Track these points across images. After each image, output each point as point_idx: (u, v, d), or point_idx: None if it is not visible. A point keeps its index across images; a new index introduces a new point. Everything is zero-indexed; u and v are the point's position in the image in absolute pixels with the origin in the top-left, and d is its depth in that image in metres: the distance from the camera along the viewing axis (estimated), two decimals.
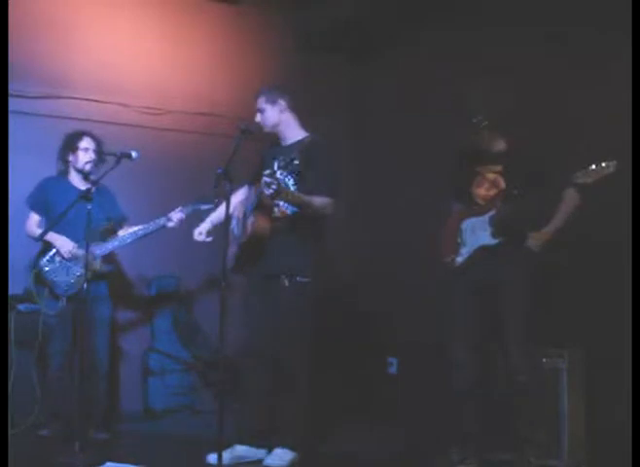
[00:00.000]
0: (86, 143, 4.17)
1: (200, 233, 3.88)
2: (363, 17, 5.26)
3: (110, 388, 4.36)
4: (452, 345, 3.59)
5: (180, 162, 5.15)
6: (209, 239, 3.86)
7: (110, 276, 4.24)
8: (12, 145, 4.36)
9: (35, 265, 4.07)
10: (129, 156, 3.96)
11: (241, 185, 3.90)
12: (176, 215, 4.13)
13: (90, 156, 4.17)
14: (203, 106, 5.38)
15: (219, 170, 3.31)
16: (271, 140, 3.86)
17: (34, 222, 4.18)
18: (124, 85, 5.17)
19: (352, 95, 5.90)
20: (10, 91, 4.55)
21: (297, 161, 3.37)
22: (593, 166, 3.06)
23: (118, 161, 4.02)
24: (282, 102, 3.73)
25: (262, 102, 3.74)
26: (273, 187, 3.32)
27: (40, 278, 4.05)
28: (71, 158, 4.20)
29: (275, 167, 3.50)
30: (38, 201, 4.18)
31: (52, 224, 4.00)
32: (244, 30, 5.60)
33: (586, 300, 3.86)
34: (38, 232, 4.09)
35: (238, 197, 3.90)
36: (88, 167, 4.17)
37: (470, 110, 3.56)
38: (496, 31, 4.56)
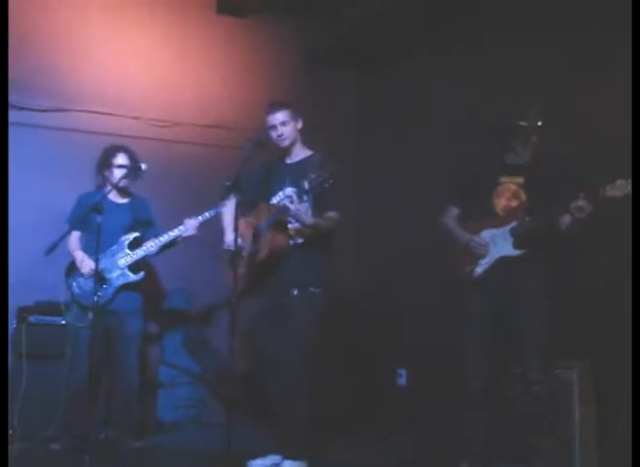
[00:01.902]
0: (120, 159, 4.12)
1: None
2: (370, 29, 5.27)
3: (141, 399, 4.39)
4: (467, 355, 3.58)
5: (189, 174, 5.16)
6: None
7: (143, 288, 4.22)
8: (20, 158, 4.42)
9: (65, 278, 4.08)
10: (139, 168, 3.99)
11: (228, 198, 3.87)
12: (190, 222, 4.12)
13: (125, 172, 4.09)
14: (211, 118, 5.41)
15: (227, 182, 3.33)
16: (277, 156, 3.87)
17: (75, 239, 4.15)
18: (133, 97, 5.20)
19: (359, 107, 5.92)
20: (19, 104, 4.62)
21: (332, 181, 3.34)
22: (621, 181, 3.10)
23: (128, 174, 4.07)
24: (300, 121, 3.78)
25: (286, 116, 3.73)
26: (295, 206, 3.42)
27: (69, 292, 4.05)
28: (106, 173, 4.17)
29: (307, 187, 3.42)
30: (77, 218, 4.13)
31: (62, 236, 4.01)
32: (252, 43, 5.63)
33: (596, 310, 3.84)
34: (74, 247, 4.10)
35: (229, 210, 3.86)
36: (122, 183, 4.12)
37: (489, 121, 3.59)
38: (503, 44, 4.58)
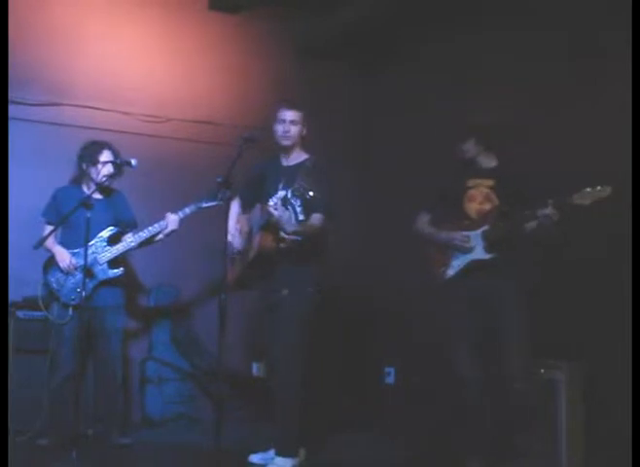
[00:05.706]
0: (105, 156, 4.07)
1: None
2: (363, 27, 5.27)
3: (126, 395, 4.43)
4: (452, 356, 3.59)
5: (179, 170, 5.15)
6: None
7: (124, 284, 4.19)
8: (13, 152, 4.38)
9: (43, 274, 4.04)
10: (129, 163, 3.97)
11: (235, 195, 3.90)
12: (172, 216, 4.09)
13: (109, 169, 4.06)
14: (203, 114, 5.39)
15: (218, 179, 3.33)
16: (273, 155, 3.86)
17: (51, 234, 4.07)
18: (125, 93, 5.18)
19: (354, 104, 5.91)
20: (12, 99, 4.58)
21: (311, 193, 3.28)
22: (589, 189, 3.13)
23: (118, 169, 4.05)
24: (306, 129, 3.77)
25: (298, 116, 3.72)
26: (278, 213, 3.38)
27: (47, 288, 4.02)
28: (90, 169, 4.09)
29: (289, 195, 3.35)
30: (52, 213, 4.11)
31: (52, 231, 3.99)
32: (244, 39, 5.61)
33: (585, 311, 3.86)
34: (52, 242, 4.05)
35: (234, 208, 3.91)
36: (105, 180, 4.07)
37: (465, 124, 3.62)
38: (495, 48, 4.60)
